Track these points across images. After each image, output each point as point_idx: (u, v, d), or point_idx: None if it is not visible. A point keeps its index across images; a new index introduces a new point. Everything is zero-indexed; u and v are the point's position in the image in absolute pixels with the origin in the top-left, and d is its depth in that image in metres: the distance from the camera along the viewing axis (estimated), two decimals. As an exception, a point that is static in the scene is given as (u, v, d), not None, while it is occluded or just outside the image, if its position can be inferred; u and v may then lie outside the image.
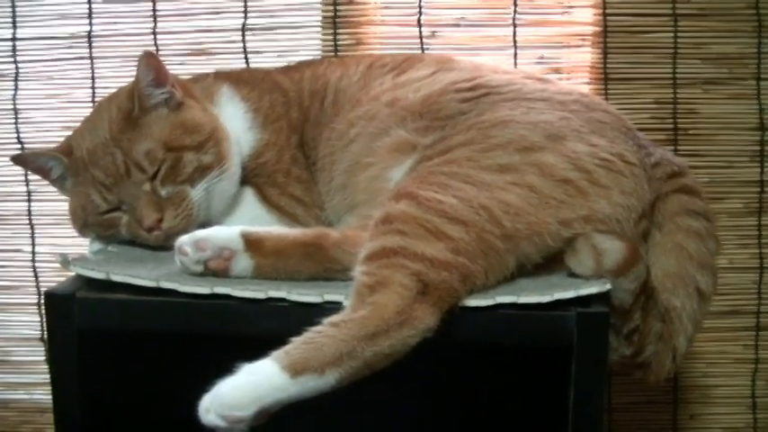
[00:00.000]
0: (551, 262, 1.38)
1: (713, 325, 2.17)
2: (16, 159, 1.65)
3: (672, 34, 2.10)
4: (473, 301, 1.28)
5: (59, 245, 2.22)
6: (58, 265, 1.42)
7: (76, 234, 1.65)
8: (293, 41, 2.14)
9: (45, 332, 2.13)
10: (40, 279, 2.27)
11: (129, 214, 1.56)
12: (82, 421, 1.37)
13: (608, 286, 1.33)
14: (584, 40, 2.12)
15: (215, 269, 1.38)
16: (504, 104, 1.50)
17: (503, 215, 1.31)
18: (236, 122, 1.70)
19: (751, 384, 2.24)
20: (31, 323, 2.29)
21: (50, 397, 1.38)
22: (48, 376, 1.39)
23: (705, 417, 2.27)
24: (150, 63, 1.57)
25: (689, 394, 2.25)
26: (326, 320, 1.20)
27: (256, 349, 1.18)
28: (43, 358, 2.28)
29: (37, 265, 2.27)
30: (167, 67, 1.61)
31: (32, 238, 2.26)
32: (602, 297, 1.33)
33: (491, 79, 1.60)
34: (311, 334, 1.19)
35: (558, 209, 1.34)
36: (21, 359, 2.32)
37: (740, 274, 2.18)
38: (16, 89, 2.20)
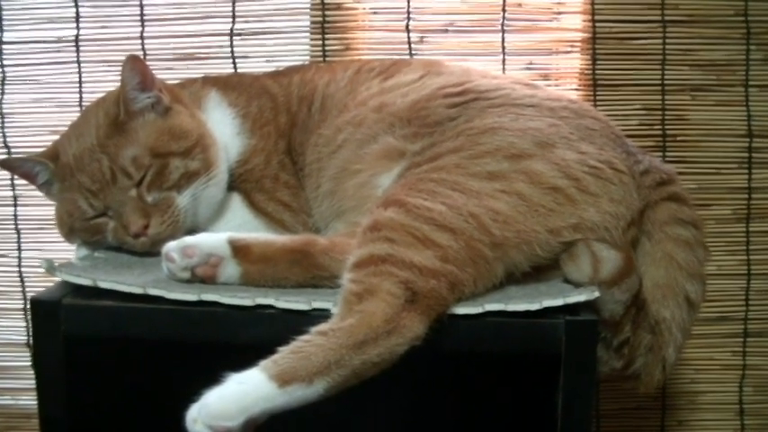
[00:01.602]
0: (540, 270, 1.38)
1: (701, 331, 2.17)
2: (2, 164, 1.65)
3: (660, 41, 2.10)
4: (461, 309, 1.27)
5: (45, 250, 2.21)
6: (43, 270, 1.41)
7: (63, 239, 1.64)
8: (281, 46, 2.13)
9: (31, 337, 2.13)
10: (26, 284, 2.25)
11: (115, 220, 1.55)
12: (67, 427, 1.36)
13: (596, 294, 1.33)
14: (572, 46, 2.13)
15: (202, 276, 1.38)
16: (493, 110, 1.49)
17: (491, 223, 1.30)
18: (223, 128, 1.69)
19: (738, 391, 2.25)
20: (16, 328, 2.28)
21: (36, 403, 1.37)
22: (33, 381, 1.38)
23: (693, 423, 2.27)
24: (135, 66, 1.56)
25: (677, 401, 2.25)
26: (314, 329, 1.20)
27: (244, 356, 1.17)
28: (29, 363, 2.26)
29: (23, 270, 2.25)
30: (155, 71, 1.60)
31: (18, 243, 2.25)
32: (591, 305, 1.33)
33: (479, 84, 1.60)
34: (299, 343, 1.18)
35: (547, 217, 1.34)
36: (6, 364, 2.30)
37: (728, 281, 2.19)
38: (3, 93, 2.18)
